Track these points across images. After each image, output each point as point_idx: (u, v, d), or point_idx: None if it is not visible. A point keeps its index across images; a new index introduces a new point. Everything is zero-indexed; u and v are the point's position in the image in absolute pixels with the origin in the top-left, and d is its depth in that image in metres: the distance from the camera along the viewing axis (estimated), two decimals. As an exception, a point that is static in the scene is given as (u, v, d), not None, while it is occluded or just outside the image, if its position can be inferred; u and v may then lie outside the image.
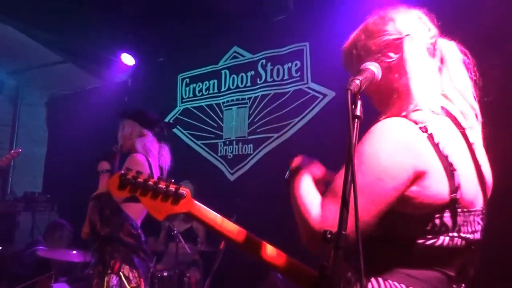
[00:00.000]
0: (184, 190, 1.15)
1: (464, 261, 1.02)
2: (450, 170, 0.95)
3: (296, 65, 4.00)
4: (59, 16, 4.34)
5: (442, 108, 1.06)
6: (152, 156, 2.57)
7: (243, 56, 4.46)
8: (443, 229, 0.96)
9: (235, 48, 4.54)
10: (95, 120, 5.19)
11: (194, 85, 4.90)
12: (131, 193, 1.14)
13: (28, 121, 6.34)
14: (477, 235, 1.02)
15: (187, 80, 4.99)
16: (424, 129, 0.96)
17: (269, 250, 1.16)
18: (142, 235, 2.45)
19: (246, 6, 4.02)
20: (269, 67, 4.20)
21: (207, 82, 4.76)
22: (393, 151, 0.93)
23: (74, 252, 3.61)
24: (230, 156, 4.36)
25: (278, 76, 4.12)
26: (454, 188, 0.95)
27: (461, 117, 1.08)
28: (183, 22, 4.43)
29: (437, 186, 0.94)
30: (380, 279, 0.97)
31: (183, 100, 4.98)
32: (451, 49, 1.16)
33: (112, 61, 5.25)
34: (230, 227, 1.17)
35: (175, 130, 4.90)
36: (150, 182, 1.13)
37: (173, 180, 1.16)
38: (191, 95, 4.91)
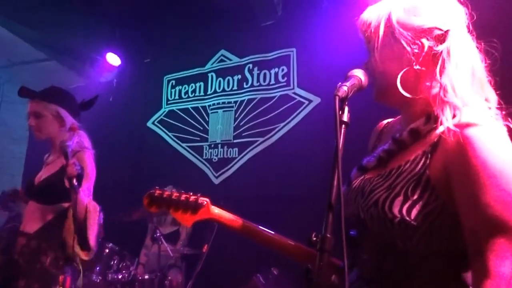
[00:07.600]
0: (204, 200, 1.28)
1: None
2: None
3: (282, 70, 4.02)
4: (44, 12, 4.27)
5: None
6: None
7: (230, 60, 4.47)
8: None
9: (222, 51, 4.55)
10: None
11: (180, 87, 4.88)
12: (160, 209, 1.31)
13: (9, 118, 6.20)
14: None
15: (173, 82, 4.97)
16: None
17: (278, 240, 1.25)
18: None
19: (235, 10, 4.04)
20: (255, 72, 4.21)
21: (193, 85, 4.75)
22: None
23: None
24: (215, 159, 4.35)
25: (264, 80, 4.14)
26: None
27: None
28: (170, 24, 4.43)
29: None
30: None
31: (169, 102, 4.95)
32: None
33: (98, 61, 5.20)
34: (248, 227, 1.26)
35: (159, 131, 4.87)
36: (173, 197, 1.28)
37: (191, 193, 1.30)
38: (176, 97, 4.89)
